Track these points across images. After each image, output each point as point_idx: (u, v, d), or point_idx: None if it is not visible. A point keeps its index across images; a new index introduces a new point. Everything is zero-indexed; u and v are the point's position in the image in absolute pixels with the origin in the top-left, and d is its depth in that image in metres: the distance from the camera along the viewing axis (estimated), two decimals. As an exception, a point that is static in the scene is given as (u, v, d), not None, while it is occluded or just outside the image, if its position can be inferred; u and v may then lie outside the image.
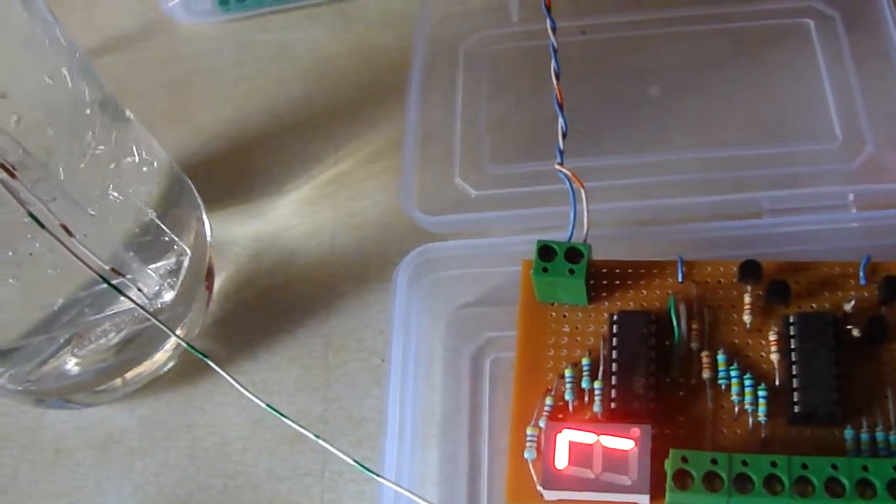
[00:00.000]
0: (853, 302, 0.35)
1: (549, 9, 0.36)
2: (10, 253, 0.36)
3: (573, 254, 0.35)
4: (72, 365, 0.41)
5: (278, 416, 0.34)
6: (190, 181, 0.45)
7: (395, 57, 0.49)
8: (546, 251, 0.35)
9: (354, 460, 0.33)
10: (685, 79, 0.44)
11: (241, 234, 0.46)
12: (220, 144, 0.49)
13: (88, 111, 0.38)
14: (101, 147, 0.39)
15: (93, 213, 0.37)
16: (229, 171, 0.48)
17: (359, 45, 0.51)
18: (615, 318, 0.35)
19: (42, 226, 0.33)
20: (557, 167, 0.36)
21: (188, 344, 0.37)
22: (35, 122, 0.36)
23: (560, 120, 0.36)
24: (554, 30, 0.36)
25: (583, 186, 0.35)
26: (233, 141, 0.49)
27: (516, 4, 0.47)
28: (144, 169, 0.41)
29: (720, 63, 0.45)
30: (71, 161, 0.37)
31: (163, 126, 0.49)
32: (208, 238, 0.44)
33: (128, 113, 0.41)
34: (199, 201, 0.45)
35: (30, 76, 0.36)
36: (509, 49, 0.46)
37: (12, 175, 0.33)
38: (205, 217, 0.44)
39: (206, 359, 0.35)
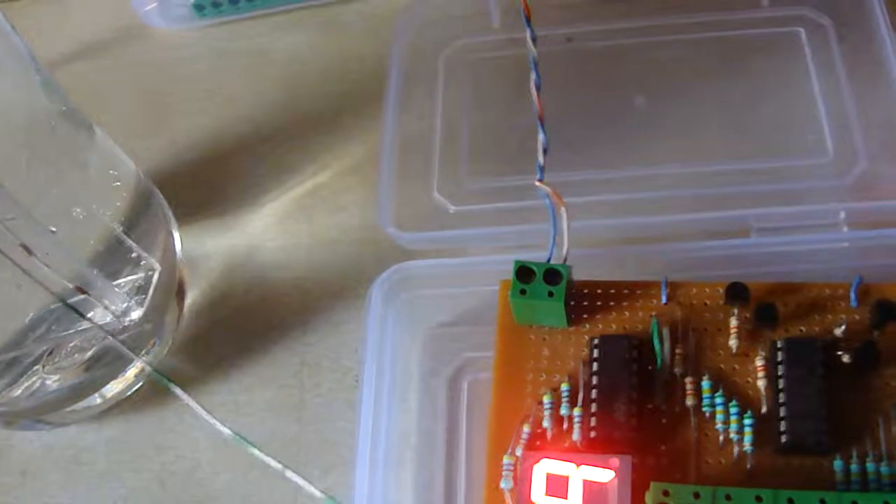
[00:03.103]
0: (843, 326, 0.33)
1: (528, 18, 0.34)
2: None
3: (552, 275, 0.34)
4: (42, 383, 0.39)
5: (245, 444, 0.32)
6: (160, 193, 0.43)
7: (375, 65, 0.47)
8: (524, 272, 0.34)
9: (322, 491, 0.31)
10: (672, 89, 0.43)
11: (215, 248, 0.45)
12: (195, 155, 0.48)
13: (49, 124, 0.37)
14: (64, 162, 0.38)
15: (54, 230, 0.36)
16: (204, 182, 0.47)
17: (337, 53, 0.50)
18: (596, 342, 0.34)
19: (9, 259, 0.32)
20: (537, 184, 0.34)
21: (154, 370, 0.36)
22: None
23: (541, 135, 0.34)
24: (534, 40, 0.34)
25: (563, 204, 0.34)
26: (208, 151, 0.48)
27: (497, 11, 0.45)
28: (110, 183, 0.40)
29: (708, 73, 0.43)
30: (30, 177, 0.36)
31: (136, 136, 0.48)
32: (179, 253, 0.43)
33: (93, 125, 0.40)
34: (170, 215, 0.44)
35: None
36: (491, 57, 0.45)
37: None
38: (175, 231, 0.43)
39: (171, 384, 0.34)
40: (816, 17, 0.44)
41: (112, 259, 0.39)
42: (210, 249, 0.45)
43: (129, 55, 0.53)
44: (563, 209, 0.34)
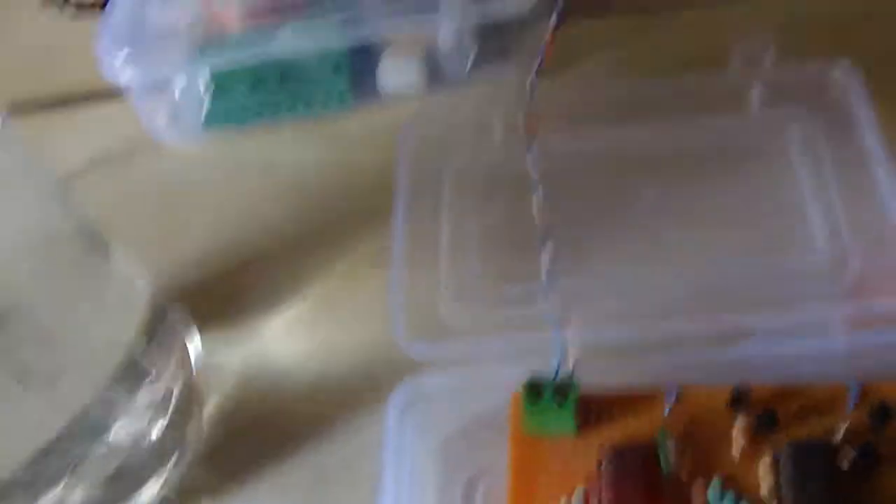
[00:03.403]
0: (843, 429, 0.35)
1: (531, 137, 0.36)
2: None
3: (561, 388, 0.35)
4: (64, 499, 0.40)
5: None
6: (177, 305, 0.45)
7: (381, 176, 0.48)
8: (534, 387, 0.36)
9: None
10: (672, 196, 0.45)
11: (231, 358, 0.46)
12: (209, 266, 0.49)
13: (67, 244, 0.39)
14: (83, 282, 0.39)
15: (80, 355, 0.37)
16: (218, 293, 0.48)
17: (344, 164, 0.52)
18: (605, 450, 0.35)
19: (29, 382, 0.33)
20: (543, 300, 0.36)
21: (176, 482, 0.37)
22: (15, 266, 0.36)
23: (545, 250, 0.36)
24: (536, 161, 0.36)
25: (569, 318, 0.35)
26: (221, 262, 0.49)
27: (500, 121, 0.47)
28: (128, 300, 0.41)
29: (706, 177, 0.45)
30: (51, 300, 0.37)
31: (149, 248, 0.49)
32: (196, 365, 0.44)
33: (109, 242, 0.41)
34: (187, 326, 0.45)
35: (4, 211, 0.36)
36: (495, 166, 0.47)
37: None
38: (193, 342, 0.45)
39: (193, 496, 0.35)
40: (807, 119, 0.45)
41: (132, 376, 0.40)
42: (225, 360, 0.46)
43: (139, 169, 0.55)
44: (569, 321, 0.36)
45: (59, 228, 0.39)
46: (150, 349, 0.41)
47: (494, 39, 0.52)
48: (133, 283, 0.42)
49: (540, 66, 0.37)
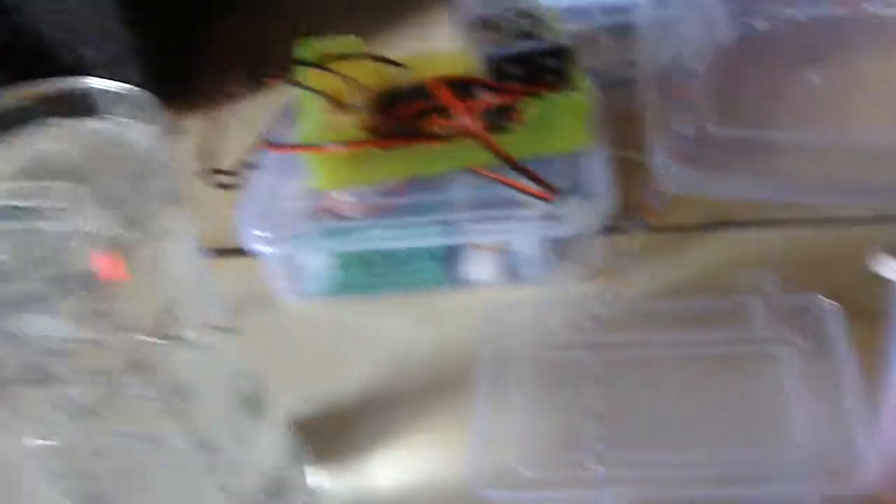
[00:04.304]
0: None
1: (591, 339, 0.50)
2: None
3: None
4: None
5: None
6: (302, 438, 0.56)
7: (464, 348, 0.60)
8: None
9: None
10: (690, 391, 0.57)
11: (339, 487, 0.57)
12: (323, 409, 0.60)
13: (241, 400, 0.51)
14: (252, 428, 0.51)
15: (248, 478, 0.50)
16: (328, 432, 0.59)
17: (434, 336, 0.63)
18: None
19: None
20: (593, 468, 0.49)
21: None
22: (219, 419, 0.48)
23: (593, 429, 0.49)
24: (582, 362, 0.49)
25: (613, 482, 0.48)
26: (331, 406, 0.60)
27: (557, 322, 0.60)
28: (275, 435, 0.54)
29: (716, 379, 0.58)
30: (237, 445, 0.50)
31: (275, 391, 0.61)
32: (322, 488, 0.56)
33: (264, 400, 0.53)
34: (310, 458, 0.57)
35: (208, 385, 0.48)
36: (559, 354, 0.59)
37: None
38: (314, 471, 0.57)
39: None
40: (796, 338, 0.58)
41: (277, 493, 0.53)
42: (334, 488, 0.57)
43: (265, 322, 0.66)
44: (612, 483, 0.49)
45: (237, 387, 0.51)
46: (289, 472, 0.54)
47: (559, 248, 0.64)
48: (277, 420, 0.55)
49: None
